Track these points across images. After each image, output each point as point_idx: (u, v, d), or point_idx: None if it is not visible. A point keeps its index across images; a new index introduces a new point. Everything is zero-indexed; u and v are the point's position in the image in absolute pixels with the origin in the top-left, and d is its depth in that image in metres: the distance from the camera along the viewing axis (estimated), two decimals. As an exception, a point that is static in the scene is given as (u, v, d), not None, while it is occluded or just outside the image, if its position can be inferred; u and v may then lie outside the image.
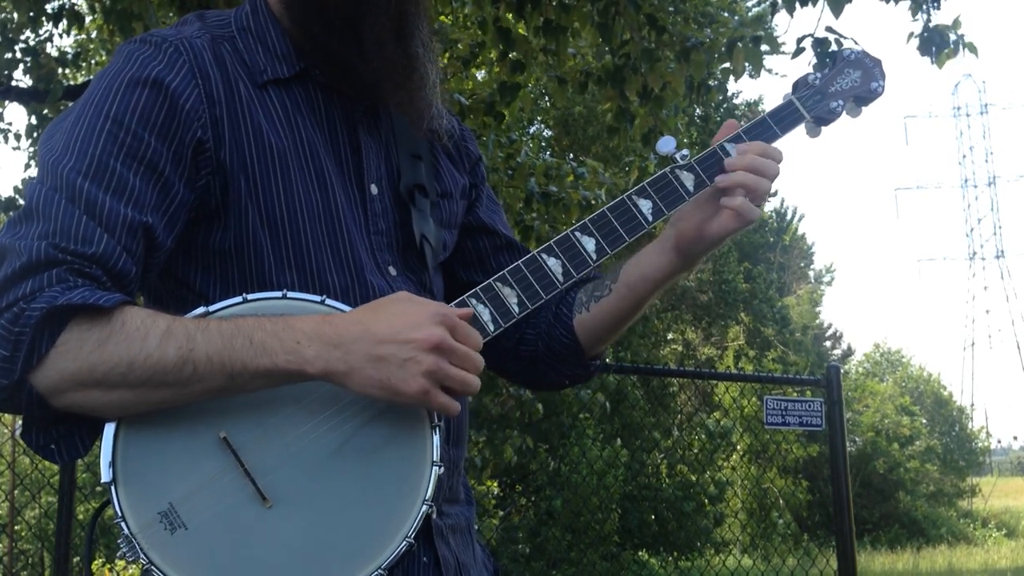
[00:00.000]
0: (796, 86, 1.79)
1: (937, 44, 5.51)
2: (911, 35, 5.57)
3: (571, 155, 14.16)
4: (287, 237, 1.49)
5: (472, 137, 1.87)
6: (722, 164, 1.67)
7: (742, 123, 1.75)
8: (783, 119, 1.74)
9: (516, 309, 1.54)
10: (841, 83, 1.79)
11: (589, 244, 1.60)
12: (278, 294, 1.42)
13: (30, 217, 1.35)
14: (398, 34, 1.56)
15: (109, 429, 1.35)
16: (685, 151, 1.67)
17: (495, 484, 11.72)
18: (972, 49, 5.54)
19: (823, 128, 1.78)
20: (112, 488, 1.33)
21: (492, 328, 1.52)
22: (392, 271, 1.59)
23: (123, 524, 1.32)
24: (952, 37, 5.52)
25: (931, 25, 5.52)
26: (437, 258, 1.67)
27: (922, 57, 5.56)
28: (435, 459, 1.40)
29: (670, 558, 13.94)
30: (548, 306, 1.78)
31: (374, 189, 1.60)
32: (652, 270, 1.71)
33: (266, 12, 1.60)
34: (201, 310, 1.39)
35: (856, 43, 5.30)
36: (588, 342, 1.77)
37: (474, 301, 1.52)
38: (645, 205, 1.64)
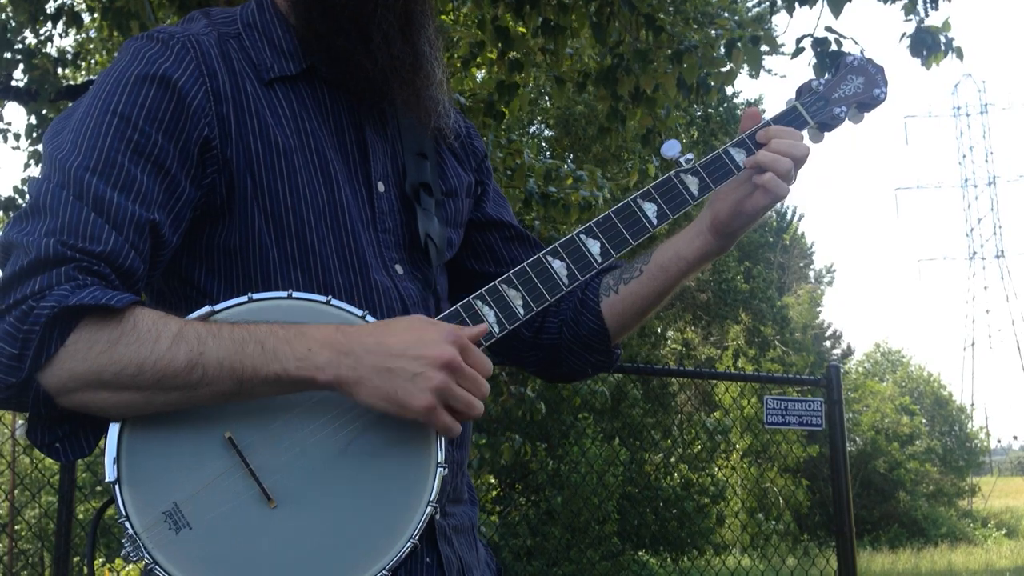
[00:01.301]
0: (800, 92, 1.80)
1: (928, 46, 5.53)
2: (903, 35, 5.59)
3: (571, 155, 14.16)
4: (292, 235, 1.49)
5: (477, 134, 1.88)
6: (727, 168, 1.69)
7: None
8: (787, 124, 1.75)
9: (521, 311, 1.54)
10: (844, 89, 1.80)
11: (594, 247, 1.61)
12: (283, 294, 1.42)
13: (37, 213, 1.34)
14: (405, 31, 1.56)
15: (114, 428, 1.34)
16: (690, 155, 1.68)
17: (491, 477, 11.71)
18: (959, 54, 5.56)
19: (826, 134, 1.79)
20: (116, 487, 1.33)
21: (497, 330, 1.52)
22: (398, 269, 1.59)
23: (127, 523, 1.32)
24: (942, 39, 5.53)
25: (923, 26, 5.53)
26: (442, 257, 1.67)
27: (912, 58, 5.58)
28: (439, 460, 1.40)
29: (670, 559, 13.93)
30: (573, 293, 1.78)
31: (380, 187, 1.60)
32: (688, 250, 1.72)
33: (272, 9, 1.60)
34: (206, 309, 1.39)
35: (856, 43, 5.32)
36: (615, 326, 1.78)
37: (479, 303, 1.52)
38: (650, 209, 1.65)
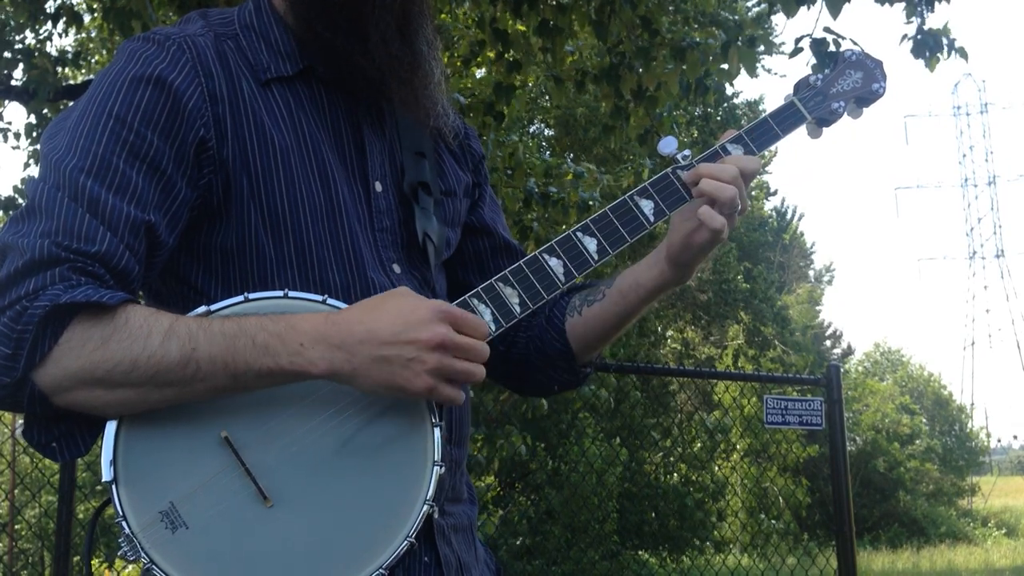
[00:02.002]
0: (797, 87, 1.79)
1: (930, 47, 5.56)
2: (904, 37, 5.62)
3: (571, 155, 14.15)
4: (289, 235, 1.49)
5: (476, 135, 1.88)
6: None
7: (744, 123, 1.75)
8: (784, 120, 1.74)
9: (518, 309, 1.54)
10: (842, 84, 1.79)
11: (591, 244, 1.60)
12: (279, 293, 1.42)
13: (33, 215, 1.35)
14: (403, 31, 1.56)
15: (110, 427, 1.34)
16: (687, 151, 1.67)
17: (492, 478, 11.70)
18: (963, 54, 5.60)
19: (824, 129, 1.78)
20: (113, 487, 1.33)
21: (494, 328, 1.52)
22: (396, 268, 1.59)
23: (124, 523, 1.32)
24: (944, 41, 5.57)
25: (925, 28, 5.56)
26: (440, 256, 1.67)
27: (915, 60, 5.61)
28: (436, 459, 1.40)
29: (669, 558, 13.92)
30: (542, 310, 1.77)
31: (378, 186, 1.60)
32: (646, 279, 1.70)
33: (269, 10, 1.60)
34: (203, 309, 1.39)
35: (854, 43, 5.34)
36: (579, 347, 1.76)
37: (475, 301, 1.52)
38: (647, 205, 1.64)
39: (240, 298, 1.41)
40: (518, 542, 11.31)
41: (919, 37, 5.58)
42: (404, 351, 1.34)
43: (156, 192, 1.41)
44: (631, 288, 1.71)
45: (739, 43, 5.96)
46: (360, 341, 1.34)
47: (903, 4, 5.62)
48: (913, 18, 5.61)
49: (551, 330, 1.77)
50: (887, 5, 5.65)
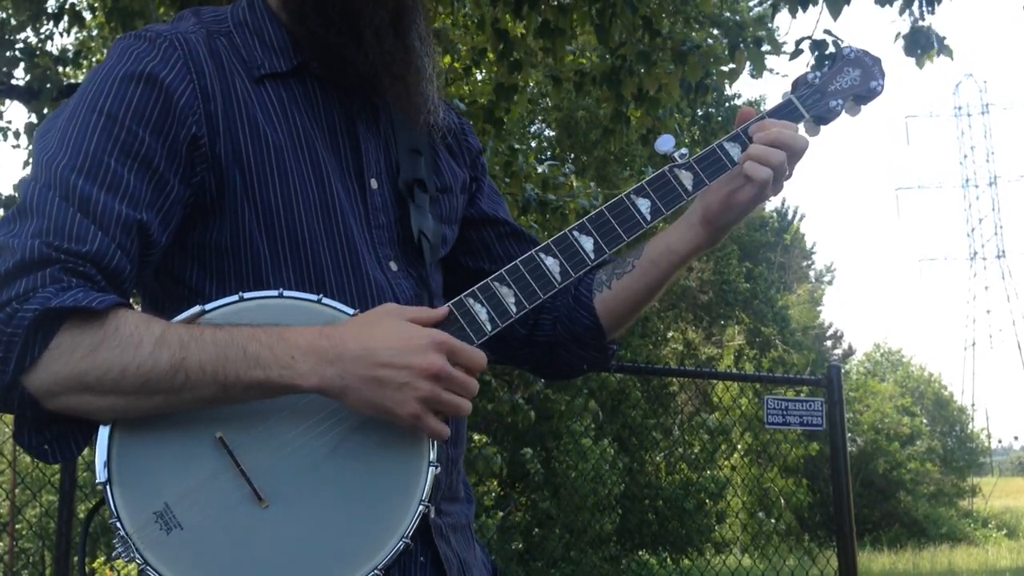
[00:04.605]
0: (795, 85, 1.79)
1: (922, 45, 5.59)
2: (898, 35, 5.64)
3: (571, 155, 14.14)
4: (283, 232, 1.48)
5: (472, 131, 1.87)
6: (721, 162, 1.68)
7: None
8: (782, 118, 1.73)
9: (513, 309, 1.53)
10: (840, 82, 1.78)
11: (587, 243, 1.60)
12: (274, 293, 1.41)
13: (24, 215, 1.34)
14: (396, 27, 1.55)
15: (104, 429, 1.34)
16: (684, 150, 1.67)
17: (495, 482, 11.68)
18: (949, 53, 5.64)
19: (822, 127, 1.77)
20: (107, 488, 1.32)
21: (489, 328, 1.51)
22: (392, 266, 1.58)
23: (118, 524, 1.31)
24: (934, 39, 5.61)
25: (917, 26, 5.59)
26: (436, 254, 1.66)
27: (907, 57, 5.65)
28: (432, 459, 1.39)
29: (670, 559, 13.92)
30: (566, 290, 1.77)
31: (373, 183, 1.59)
32: (679, 244, 1.72)
33: (263, 7, 1.60)
34: (196, 309, 1.38)
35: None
36: (609, 322, 1.77)
37: (471, 300, 1.51)
38: (643, 204, 1.64)
39: (235, 297, 1.40)
40: (515, 545, 11.29)
41: (911, 36, 5.61)
42: (399, 375, 1.33)
43: (148, 190, 1.40)
44: (663, 255, 1.72)
45: (747, 43, 5.96)
46: (355, 358, 1.33)
47: (902, 3, 5.63)
48: (906, 14, 5.64)
49: (579, 308, 1.77)
50: (888, 7, 5.65)
